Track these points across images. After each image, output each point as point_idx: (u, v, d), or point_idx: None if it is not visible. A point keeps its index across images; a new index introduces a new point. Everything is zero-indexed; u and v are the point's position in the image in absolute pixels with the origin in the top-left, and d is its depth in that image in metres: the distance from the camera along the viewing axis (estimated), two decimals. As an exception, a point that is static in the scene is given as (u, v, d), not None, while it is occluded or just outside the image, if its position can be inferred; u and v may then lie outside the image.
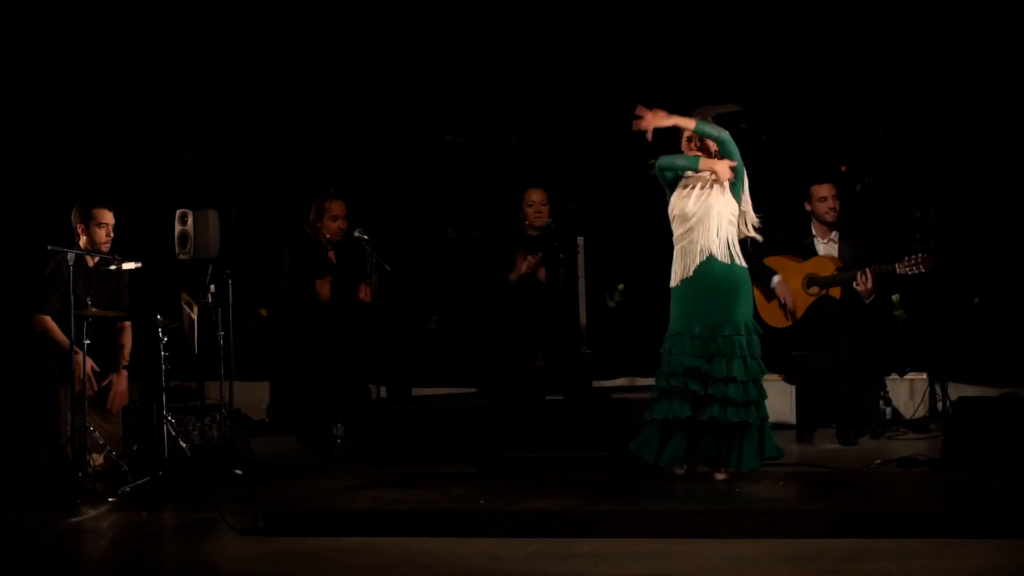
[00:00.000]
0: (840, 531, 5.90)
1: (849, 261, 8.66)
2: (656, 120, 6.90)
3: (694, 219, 6.96)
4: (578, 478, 7.18)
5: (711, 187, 6.97)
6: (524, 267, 9.21)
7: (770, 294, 8.71)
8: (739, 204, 6.98)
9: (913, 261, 8.46)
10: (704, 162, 6.96)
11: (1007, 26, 9.55)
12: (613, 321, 10.33)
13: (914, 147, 9.90)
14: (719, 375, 6.84)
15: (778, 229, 8.78)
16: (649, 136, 6.92)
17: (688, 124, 6.92)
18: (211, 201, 8.63)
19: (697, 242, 6.95)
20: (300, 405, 9.01)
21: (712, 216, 6.93)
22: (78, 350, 7.65)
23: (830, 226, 8.79)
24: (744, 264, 7.01)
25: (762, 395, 6.93)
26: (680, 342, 6.95)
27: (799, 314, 8.68)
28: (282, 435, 9.40)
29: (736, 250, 6.97)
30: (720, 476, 6.93)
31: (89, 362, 7.83)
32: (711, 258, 6.93)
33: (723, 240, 6.94)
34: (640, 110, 6.92)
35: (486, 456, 7.82)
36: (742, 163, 6.99)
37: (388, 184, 10.71)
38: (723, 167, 6.93)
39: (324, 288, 9.00)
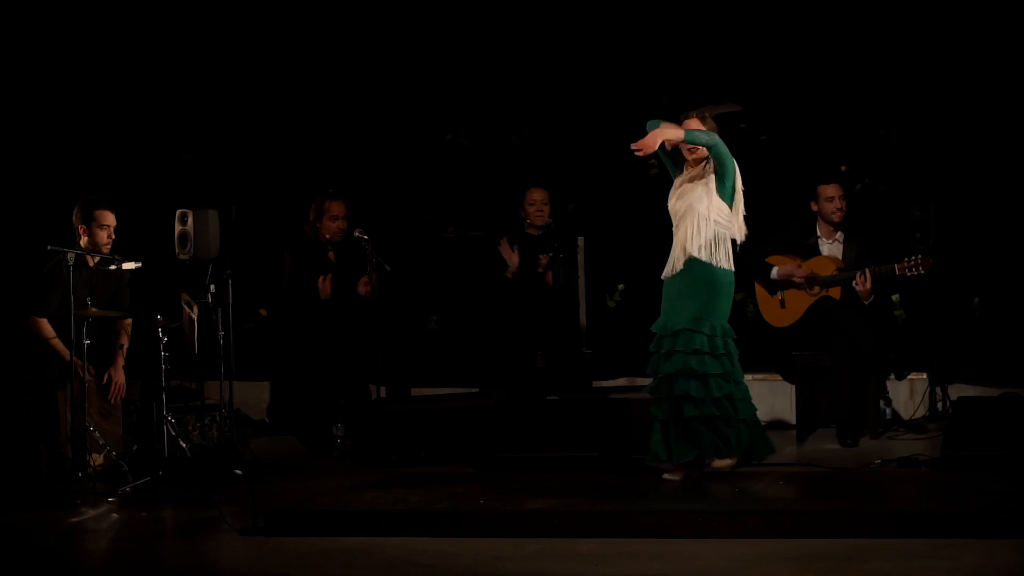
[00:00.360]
0: (840, 531, 5.90)
1: (852, 262, 8.65)
2: (655, 143, 6.87)
3: (678, 217, 6.97)
4: (578, 478, 7.18)
5: (695, 186, 6.96)
6: (516, 259, 9.19)
7: (773, 288, 8.71)
8: (729, 206, 6.95)
9: (913, 262, 8.44)
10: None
11: (1007, 26, 9.55)
12: (613, 321, 10.33)
13: (914, 147, 9.90)
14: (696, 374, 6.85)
15: (781, 229, 8.78)
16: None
17: (678, 135, 6.90)
18: (211, 201, 8.62)
19: (680, 239, 6.95)
20: (300, 405, 9.01)
21: (693, 215, 6.91)
22: (77, 361, 7.64)
23: (836, 226, 8.78)
24: (729, 267, 6.95)
25: (737, 394, 6.92)
26: (659, 339, 6.97)
27: (800, 312, 8.67)
28: (282, 435, 9.41)
29: (719, 251, 6.90)
30: (722, 464, 6.94)
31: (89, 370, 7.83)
32: (691, 257, 6.90)
33: (705, 240, 6.89)
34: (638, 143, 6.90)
35: (486, 456, 7.82)
36: (735, 165, 6.96)
37: (388, 184, 10.71)
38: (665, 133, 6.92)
39: (326, 286, 8.99)
